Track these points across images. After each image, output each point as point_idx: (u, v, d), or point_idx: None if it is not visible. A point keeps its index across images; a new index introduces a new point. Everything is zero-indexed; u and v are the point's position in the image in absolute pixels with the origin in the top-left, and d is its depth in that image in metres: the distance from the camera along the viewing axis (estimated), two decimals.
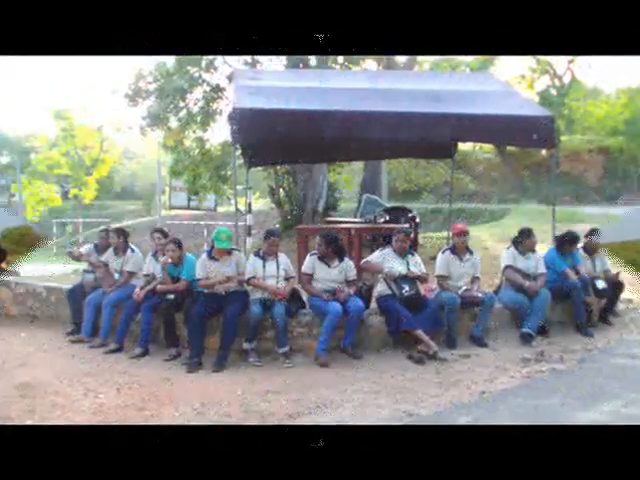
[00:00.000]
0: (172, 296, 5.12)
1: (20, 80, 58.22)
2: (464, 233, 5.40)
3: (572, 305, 5.44)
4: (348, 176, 13.92)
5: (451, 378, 4.27)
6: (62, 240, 26.39)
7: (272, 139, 6.13)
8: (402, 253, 5.21)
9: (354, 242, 7.18)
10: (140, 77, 10.84)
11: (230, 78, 9.31)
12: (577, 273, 5.57)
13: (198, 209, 17.60)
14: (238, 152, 6.86)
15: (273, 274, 5.04)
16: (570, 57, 23.65)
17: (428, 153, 9.12)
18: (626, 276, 6.23)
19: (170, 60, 10.68)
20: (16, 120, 42.93)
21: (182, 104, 10.71)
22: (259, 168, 10.95)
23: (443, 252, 5.46)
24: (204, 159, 11.67)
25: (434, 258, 5.83)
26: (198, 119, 11.04)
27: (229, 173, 11.78)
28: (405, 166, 15.20)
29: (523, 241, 5.50)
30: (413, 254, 5.36)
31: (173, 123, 11.20)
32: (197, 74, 10.46)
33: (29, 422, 3.50)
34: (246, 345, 4.86)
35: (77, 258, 6.13)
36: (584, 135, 24.45)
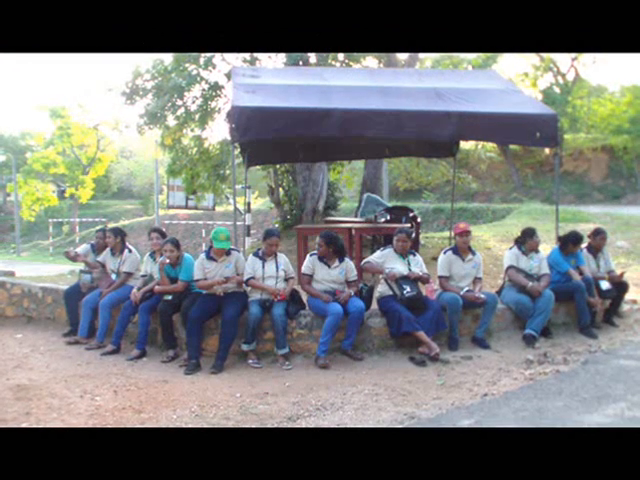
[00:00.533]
0: (170, 297, 5.07)
1: (16, 77, 58.23)
2: (466, 233, 5.34)
3: (576, 306, 5.38)
4: (348, 175, 13.82)
5: (453, 380, 4.23)
6: (58, 240, 26.38)
7: (271, 137, 6.07)
8: (403, 253, 5.16)
9: (354, 242, 7.12)
10: (137, 75, 10.74)
11: (229, 76, 9.25)
12: (581, 274, 5.52)
13: (196, 208, 17.59)
14: (237, 151, 6.81)
15: (272, 274, 4.98)
16: (574, 54, 23.58)
17: (430, 152, 9.05)
18: (630, 276, 6.17)
19: (168, 58, 10.60)
20: (11, 118, 42.83)
21: (180, 102, 10.59)
22: (258, 167, 10.88)
23: (445, 252, 5.40)
24: (202, 158, 11.58)
25: (436, 258, 5.78)
26: (196, 117, 10.93)
27: (228, 172, 11.71)
28: (406, 165, 15.11)
29: (526, 241, 5.45)
30: (414, 254, 5.30)
31: (171, 121, 11.09)
32: (195, 72, 10.36)
33: (25, 425, 3.46)
34: (245, 347, 4.82)
35: (74, 258, 6.09)
36: (588, 133, 24.37)
